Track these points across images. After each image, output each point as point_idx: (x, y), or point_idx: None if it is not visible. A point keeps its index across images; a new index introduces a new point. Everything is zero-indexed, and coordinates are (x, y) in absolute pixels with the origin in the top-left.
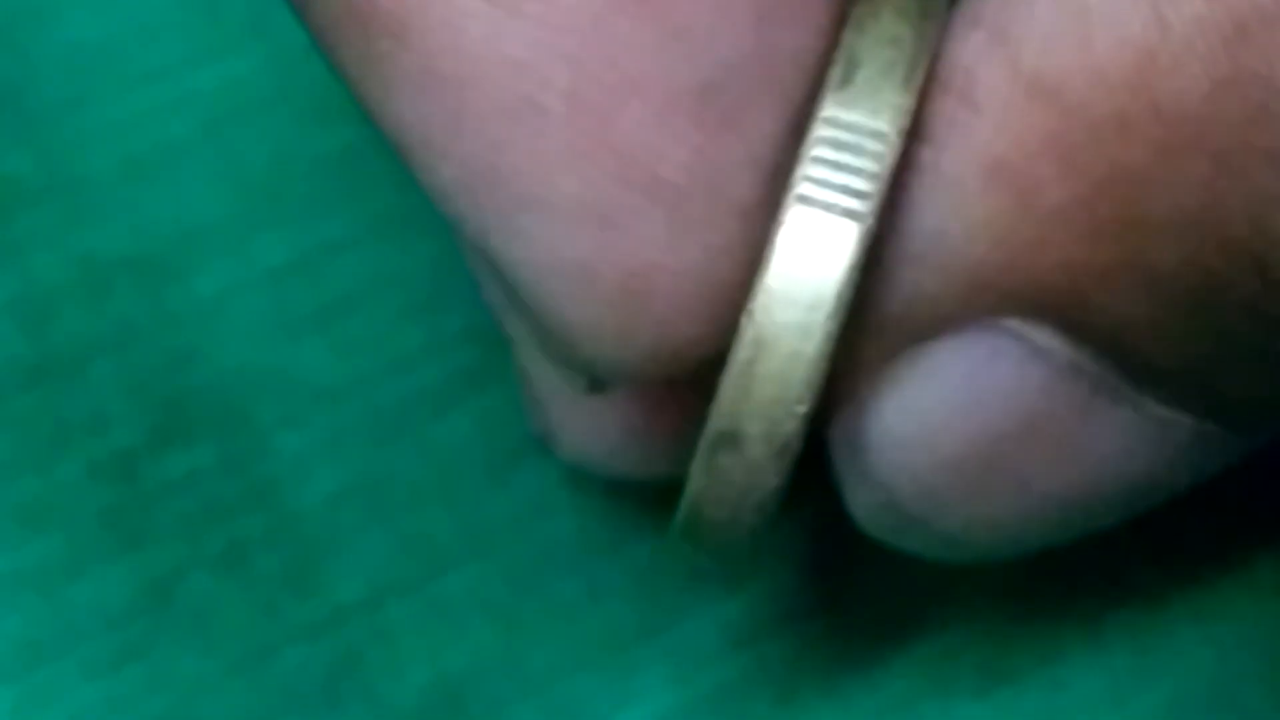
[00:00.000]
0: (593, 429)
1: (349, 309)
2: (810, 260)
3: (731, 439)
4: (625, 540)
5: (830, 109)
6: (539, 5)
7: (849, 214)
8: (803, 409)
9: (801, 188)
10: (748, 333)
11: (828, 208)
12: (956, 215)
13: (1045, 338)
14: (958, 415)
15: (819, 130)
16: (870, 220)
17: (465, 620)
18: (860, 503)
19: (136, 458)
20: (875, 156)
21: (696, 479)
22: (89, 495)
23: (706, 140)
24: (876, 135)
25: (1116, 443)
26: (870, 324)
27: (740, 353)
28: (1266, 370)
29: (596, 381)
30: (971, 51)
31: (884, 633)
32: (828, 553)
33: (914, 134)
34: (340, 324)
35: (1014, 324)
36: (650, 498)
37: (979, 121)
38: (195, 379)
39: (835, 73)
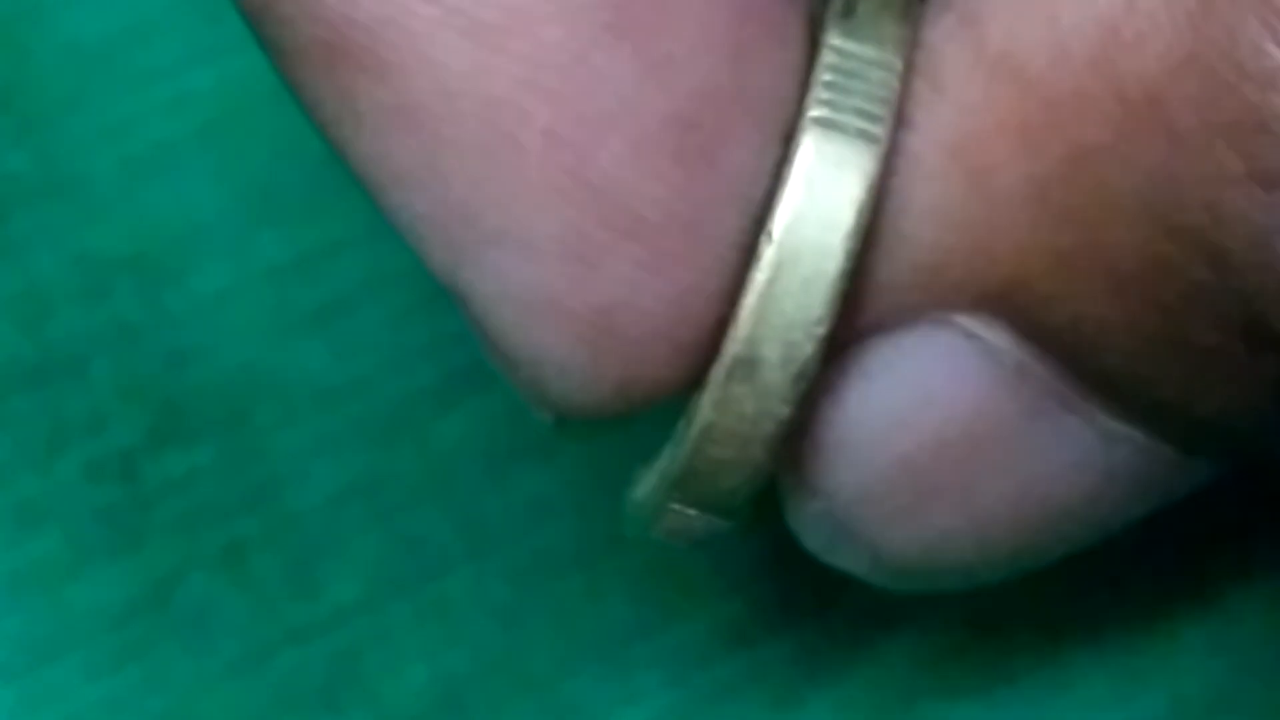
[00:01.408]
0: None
1: (349, 309)
2: (829, 180)
3: (747, 365)
4: (625, 540)
5: (836, 39)
6: (522, 42)
7: (864, 135)
8: (822, 330)
9: (815, 111)
10: (766, 254)
11: (843, 129)
12: (915, 197)
13: (995, 336)
14: (901, 417)
15: (827, 58)
16: (884, 142)
17: (465, 620)
18: (800, 512)
19: (135, 457)
20: (883, 83)
21: (704, 413)
22: (88, 495)
23: (684, 176)
24: (882, 64)
25: (1063, 455)
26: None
27: (758, 274)
28: (1222, 379)
29: (561, 418)
30: (940, 33)
31: (883, 633)
32: None
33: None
34: (340, 324)
35: (964, 320)
36: None
37: (943, 102)
38: (194, 379)
39: (836, 5)
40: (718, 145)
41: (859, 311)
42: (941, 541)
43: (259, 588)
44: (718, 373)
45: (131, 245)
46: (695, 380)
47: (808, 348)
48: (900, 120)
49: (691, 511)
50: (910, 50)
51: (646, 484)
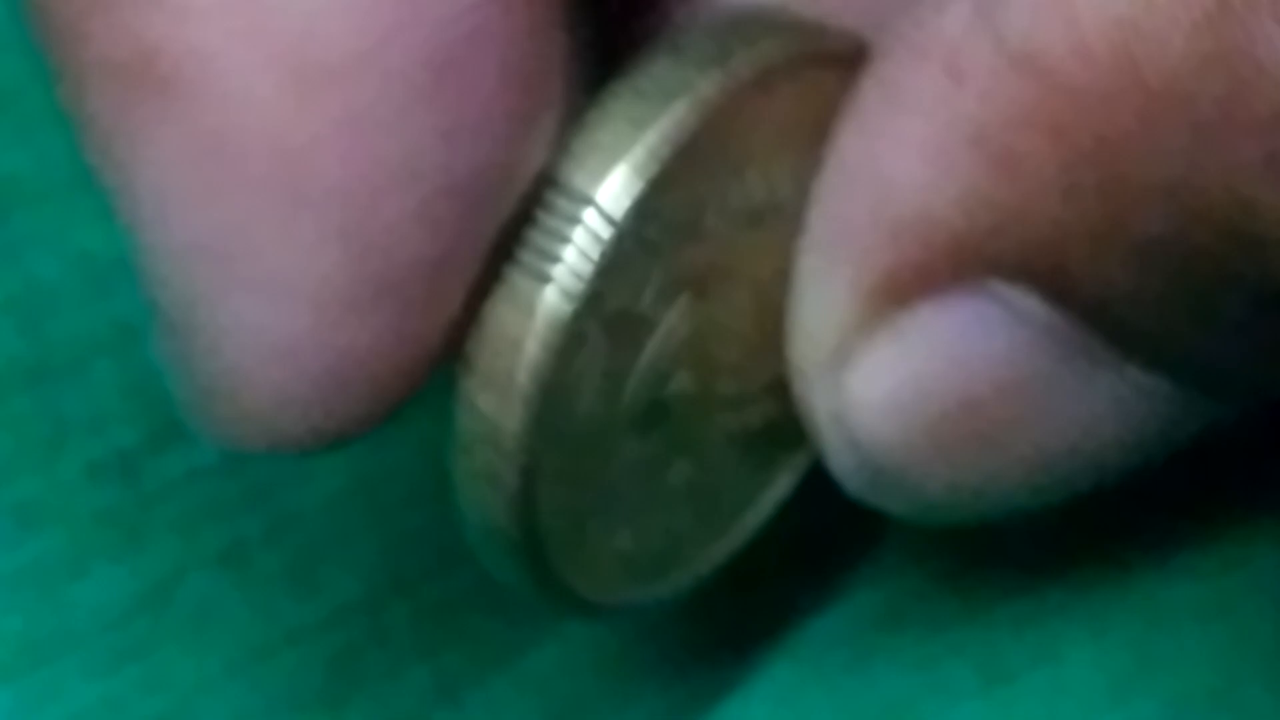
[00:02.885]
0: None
1: None
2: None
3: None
4: None
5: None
6: (334, 95)
7: (557, 288)
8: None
9: (523, 252)
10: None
11: (540, 275)
12: (939, 186)
13: (1027, 301)
14: (938, 377)
15: (546, 197)
16: (577, 298)
17: (465, 620)
18: (839, 462)
19: (136, 457)
20: (590, 230)
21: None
22: (89, 495)
23: (452, 240)
24: (587, 220)
25: (1095, 407)
26: (854, 285)
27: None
28: (1245, 339)
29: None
30: (955, 23)
31: (884, 633)
32: (826, 553)
33: (894, 105)
34: None
35: (997, 287)
36: None
37: (963, 93)
38: None
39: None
40: (486, 214)
41: (893, 283)
42: (978, 487)
43: (259, 588)
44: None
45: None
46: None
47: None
48: (907, 107)
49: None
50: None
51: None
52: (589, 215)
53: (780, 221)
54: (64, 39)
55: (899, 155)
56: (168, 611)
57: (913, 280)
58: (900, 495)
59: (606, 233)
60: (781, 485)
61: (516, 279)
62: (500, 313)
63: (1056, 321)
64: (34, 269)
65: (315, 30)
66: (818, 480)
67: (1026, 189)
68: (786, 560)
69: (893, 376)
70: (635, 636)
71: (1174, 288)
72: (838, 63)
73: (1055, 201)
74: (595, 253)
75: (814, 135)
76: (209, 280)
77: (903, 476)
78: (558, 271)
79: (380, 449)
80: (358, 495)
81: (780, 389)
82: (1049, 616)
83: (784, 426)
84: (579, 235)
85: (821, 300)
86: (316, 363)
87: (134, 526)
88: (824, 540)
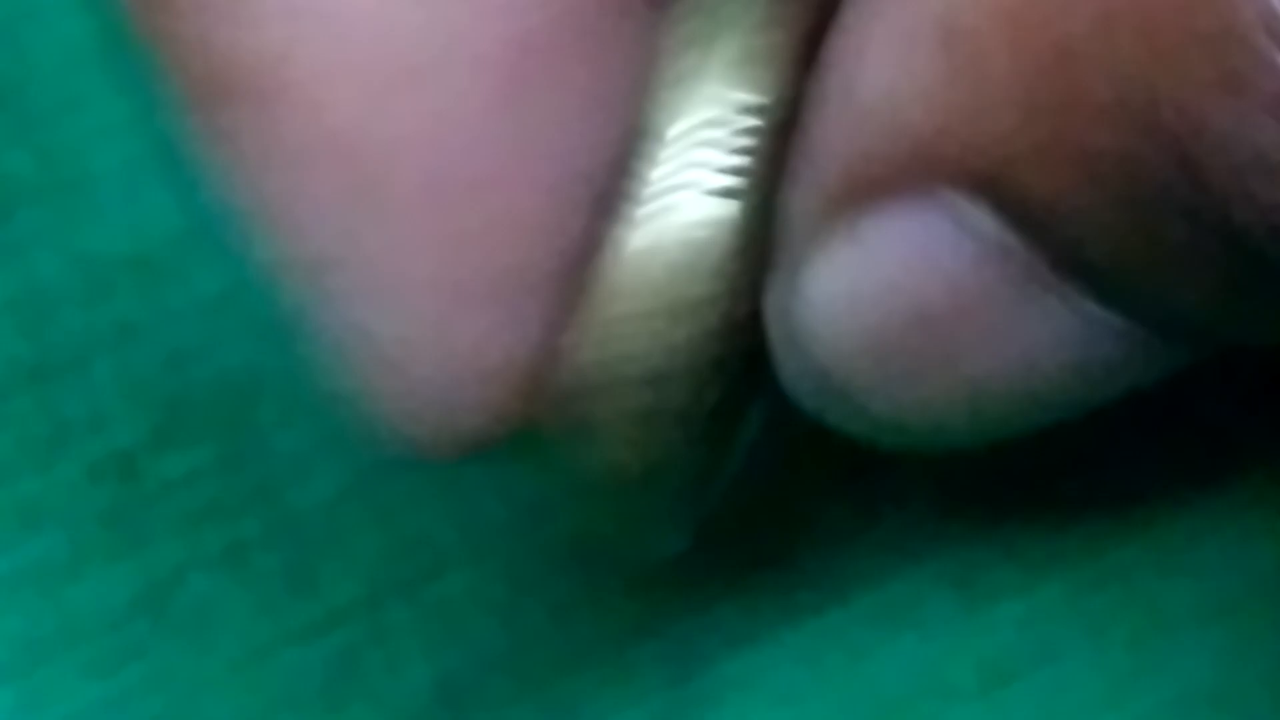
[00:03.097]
0: None
1: None
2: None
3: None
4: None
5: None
6: (415, 95)
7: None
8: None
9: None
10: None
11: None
12: (904, 76)
13: (978, 215)
14: (886, 286)
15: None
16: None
17: (465, 620)
18: (790, 372)
19: (136, 457)
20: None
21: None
22: (89, 495)
23: (552, 238)
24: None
25: (1044, 332)
26: (814, 184)
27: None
28: (1191, 272)
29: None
30: None
31: (883, 632)
32: (826, 553)
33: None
34: None
35: (948, 194)
36: None
37: None
38: (195, 378)
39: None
40: (585, 206)
41: (846, 180)
42: (925, 405)
43: (259, 588)
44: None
45: (131, 245)
46: (533, 417)
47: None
48: (891, 2)
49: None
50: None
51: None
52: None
53: None
54: (160, 60)
55: (867, 48)
56: (168, 611)
57: (870, 181)
58: (844, 408)
59: (725, 161)
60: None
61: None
62: (632, 248)
63: (1007, 239)
64: (34, 269)
65: (388, 29)
66: (818, 480)
67: (984, 90)
68: (786, 560)
69: (842, 280)
70: (635, 636)
71: (1120, 209)
72: None
73: (1011, 106)
74: (720, 180)
75: None
76: (321, 289)
77: (846, 386)
78: (685, 204)
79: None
80: (358, 495)
81: None
82: (1049, 616)
83: None
84: (718, 146)
85: (788, 201)
86: (436, 365)
87: (134, 526)
88: (823, 540)
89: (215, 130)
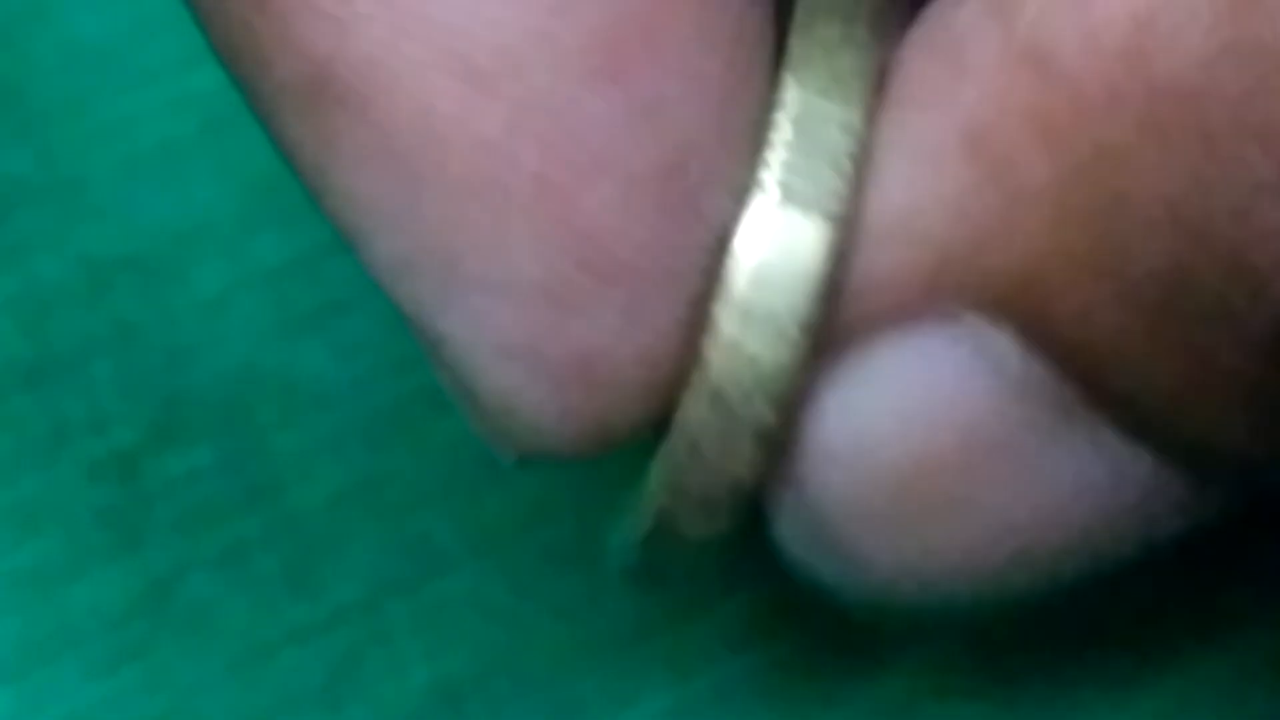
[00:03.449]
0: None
1: (349, 309)
2: (789, 230)
3: (718, 397)
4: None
5: (793, 88)
6: (514, 85)
7: (823, 193)
8: (790, 364)
9: (774, 166)
10: (730, 297)
11: (801, 185)
12: (925, 187)
13: (1001, 340)
14: (896, 421)
15: (784, 110)
16: (845, 195)
17: (465, 620)
18: (785, 521)
19: (136, 458)
20: (841, 138)
21: (677, 448)
22: (88, 495)
23: (668, 223)
24: (839, 118)
25: (1069, 474)
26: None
27: (723, 321)
28: (1237, 408)
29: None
30: (966, 16)
31: (883, 633)
32: None
33: (894, 101)
34: (339, 324)
35: (970, 320)
36: None
37: (964, 88)
38: (195, 379)
39: (796, 48)
40: (702, 191)
41: (858, 306)
42: (928, 558)
43: (259, 588)
44: (690, 406)
45: (131, 245)
46: (666, 415)
47: (779, 380)
48: (906, 102)
49: (675, 546)
50: (872, 92)
51: (628, 527)
52: (829, 129)
53: None
54: (249, 69)
55: (888, 151)
56: (168, 611)
57: (883, 306)
58: (842, 561)
59: (851, 146)
60: None
61: (770, 211)
62: (754, 249)
63: (1033, 369)
64: (34, 269)
65: (478, 21)
66: None
67: (1017, 201)
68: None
69: (850, 416)
70: (635, 636)
71: (1162, 329)
72: None
73: (1045, 217)
74: (848, 166)
75: None
76: (436, 287)
77: (846, 535)
78: (816, 194)
79: (380, 449)
80: (358, 495)
81: None
82: (1049, 617)
83: None
84: (827, 145)
85: None
86: (557, 362)
87: (134, 526)
88: None
89: (320, 135)
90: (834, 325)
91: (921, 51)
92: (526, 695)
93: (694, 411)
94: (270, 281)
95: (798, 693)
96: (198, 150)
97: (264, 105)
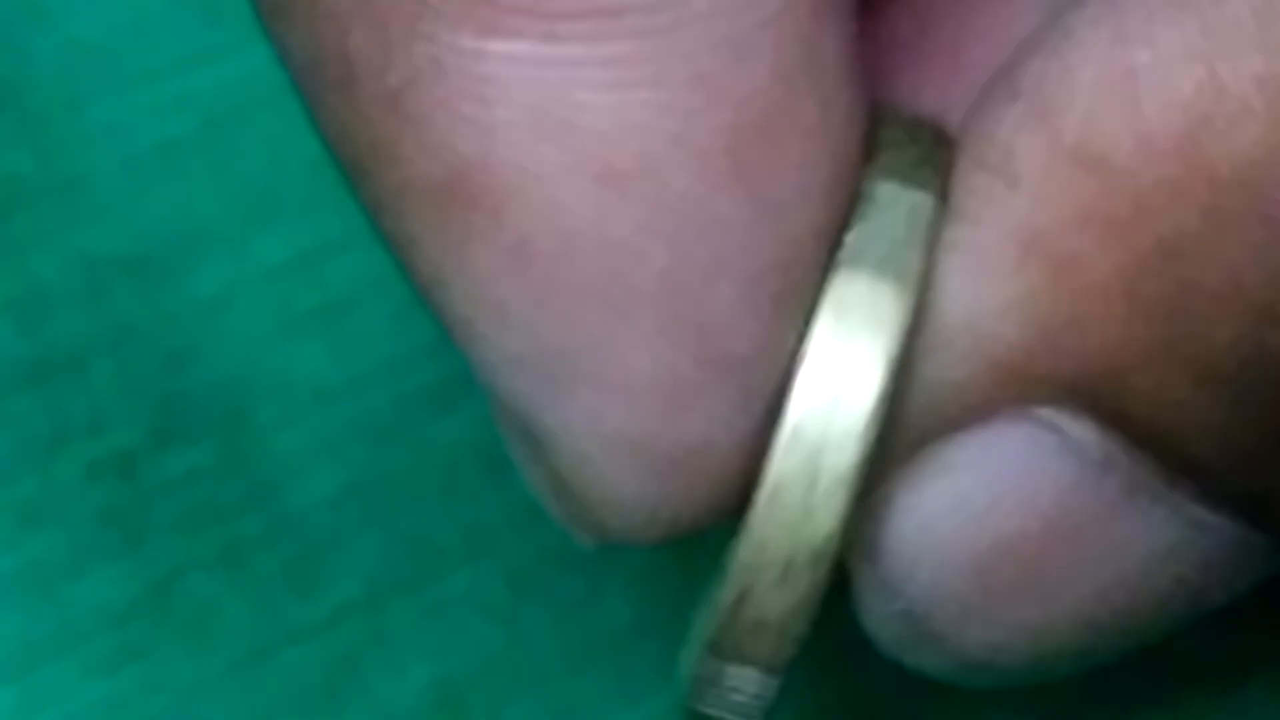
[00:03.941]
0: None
1: (349, 309)
2: (859, 329)
3: (788, 490)
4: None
5: (879, 182)
6: (649, 187)
7: (895, 284)
8: (855, 460)
9: (848, 260)
10: (794, 400)
11: (874, 277)
12: (990, 296)
13: (1079, 429)
14: (981, 515)
15: (870, 205)
16: (915, 292)
17: (465, 620)
18: (874, 613)
19: (136, 457)
20: (917, 231)
21: (748, 545)
22: (88, 495)
23: (777, 317)
24: (917, 212)
25: (1151, 548)
26: (892, 417)
27: (790, 417)
28: None
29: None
30: (1009, 124)
31: None
32: None
33: (951, 216)
34: (340, 324)
35: (1046, 414)
36: None
37: (1016, 195)
38: (194, 379)
39: (884, 156)
40: (806, 283)
41: (936, 410)
42: (1022, 640)
43: (259, 588)
44: (761, 501)
45: (131, 245)
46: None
47: (844, 473)
48: (958, 215)
49: (742, 668)
50: (940, 202)
51: (692, 651)
52: (900, 219)
53: None
54: (373, 165)
55: (948, 267)
56: (168, 611)
57: (960, 410)
58: (937, 649)
59: (922, 234)
60: None
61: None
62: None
63: (1113, 452)
64: (34, 269)
65: (618, 126)
66: None
67: (1084, 299)
68: None
69: (932, 512)
70: (635, 636)
71: (1246, 408)
72: None
73: (1114, 312)
74: (917, 258)
75: None
76: (549, 383)
77: (939, 626)
78: (889, 278)
79: (380, 449)
80: (358, 495)
81: None
82: None
83: None
84: (900, 234)
85: None
86: (665, 455)
87: (134, 526)
88: None
89: (447, 235)
90: (903, 431)
91: (969, 165)
92: (526, 695)
93: (762, 506)
94: (270, 281)
95: (797, 693)
96: (197, 150)
97: (382, 200)
